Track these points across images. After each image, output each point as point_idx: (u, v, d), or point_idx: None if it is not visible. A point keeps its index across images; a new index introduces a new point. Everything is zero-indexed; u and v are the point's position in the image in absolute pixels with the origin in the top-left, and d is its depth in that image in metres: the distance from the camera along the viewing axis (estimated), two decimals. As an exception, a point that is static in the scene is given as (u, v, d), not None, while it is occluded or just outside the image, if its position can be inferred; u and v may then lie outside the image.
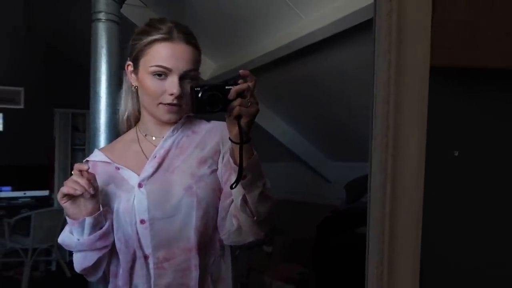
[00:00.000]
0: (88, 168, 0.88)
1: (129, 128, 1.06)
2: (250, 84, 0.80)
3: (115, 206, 0.95)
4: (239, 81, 0.81)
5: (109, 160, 1.00)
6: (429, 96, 0.50)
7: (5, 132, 4.68)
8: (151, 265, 0.93)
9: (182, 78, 0.94)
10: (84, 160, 1.04)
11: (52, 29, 4.38)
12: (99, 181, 0.94)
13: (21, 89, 4.73)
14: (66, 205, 0.88)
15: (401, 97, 0.48)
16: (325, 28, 1.92)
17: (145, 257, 0.94)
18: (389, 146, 0.49)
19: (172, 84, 0.92)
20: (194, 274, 0.93)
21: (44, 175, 4.76)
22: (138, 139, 1.01)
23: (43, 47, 4.68)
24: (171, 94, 0.92)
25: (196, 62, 0.97)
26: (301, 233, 3.11)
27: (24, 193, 4.66)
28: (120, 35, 1.95)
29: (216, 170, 0.98)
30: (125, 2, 2.08)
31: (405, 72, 0.48)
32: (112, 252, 0.98)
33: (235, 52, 2.74)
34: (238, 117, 0.79)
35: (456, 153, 0.55)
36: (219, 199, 0.97)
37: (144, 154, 0.99)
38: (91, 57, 1.91)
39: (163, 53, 0.93)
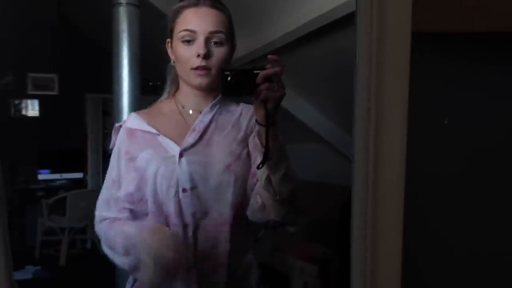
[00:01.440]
0: None
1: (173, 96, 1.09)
2: (277, 69, 0.83)
3: (153, 170, 0.97)
4: (267, 66, 0.83)
5: (146, 127, 1.03)
6: (415, 63, 0.49)
7: (42, 117, 4.89)
8: (189, 234, 0.97)
9: (208, 39, 0.97)
10: (116, 125, 1.07)
11: (82, 16, 4.50)
12: (136, 146, 1.00)
13: (55, 75, 4.91)
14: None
15: (382, 62, 0.48)
16: (348, 2, 1.87)
17: (184, 226, 0.97)
18: (371, 112, 0.48)
19: (198, 46, 0.96)
20: (225, 247, 0.98)
21: (79, 159, 4.98)
22: (179, 110, 1.05)
23: (74, 35, 4.82)
24: (198, 56, 0.96)
25: (223, 24, 1.00)
26: (324, 214, 3.11)
27: (61, 176, 4.90)
28: (140, 19, 1.98)
29: (248, 150, 1.02)
30: (146, -15, 2.12)
31: (386, 36, 0.47)
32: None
33: (256, 32, 2.72)
34: (265, 101, 0.82)
35: (446, 121, 0.54)
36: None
37: (186, 125, 1.02)
38: (112, 41, 1.96)
39: (189, 18, 0.98)
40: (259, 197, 0.97)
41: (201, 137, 1.00)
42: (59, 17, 4.60)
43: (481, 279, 0.62)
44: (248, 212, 1.01)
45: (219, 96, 1.05)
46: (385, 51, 0.48)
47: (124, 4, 1.93)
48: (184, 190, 0.96)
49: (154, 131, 1.01)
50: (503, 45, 0.56)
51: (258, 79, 0.81)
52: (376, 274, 0.52)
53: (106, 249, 1.03)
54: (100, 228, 1.05)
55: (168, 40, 1.05)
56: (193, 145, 0.99)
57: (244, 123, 1.05)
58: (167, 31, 1.04)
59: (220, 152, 0.99)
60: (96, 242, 4.41)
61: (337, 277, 2.68)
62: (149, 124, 1.03)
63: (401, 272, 0.53)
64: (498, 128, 0.57)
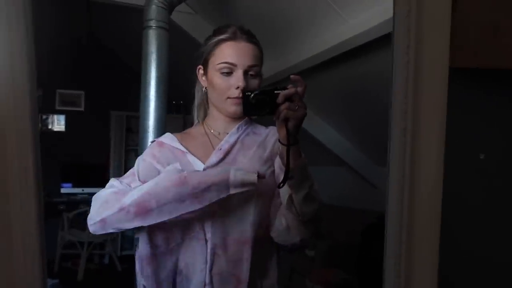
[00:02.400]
0: None
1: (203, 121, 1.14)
2: (299, 89, 0.85)
3: None
4: (289, 86, 0.85)
5: (177, 144, 1.07)
6: (452, 98, 0.49)
7: (67, 132, 5.02)
8: (209, 250, 0.98)
9: (246, 72, 1.02)
10: (150, 141, 1.12)
11: (110, 36, 4.66)
12: (164, 159, 1.03)
13: (82, 92, 5.07)
14: None
15: (418, 97, 0.48)
16: (370, 30, 1.90)
17: (206, 241, 0.98)
18: (407, 146, 0.49)
19: (238, 78, 1.01)
20: (246, 266, 0.98)
21: (101, 174, 5.06)
22: (206, 132, 1.10)
23: (102, 54, 4.98)
24: (237, 88, 1.00)
25: (258, 58, 1.05)
26: (345, 239, 3.07)
27: (83, 190, 4.97)
28: (169, 42, 2.04)
29: (273, 170, 1.03)
30: (175, 9, 2.18)
31: (422, 72, 0.48)
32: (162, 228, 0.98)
33: (280, 56, 2.77)
34: (286, 120, 0.84)
35: (482, 156, 0.54)
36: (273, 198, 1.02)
37: (211, 145, 1.06)
38: (142, 62, 2.02)
39: (228, 51, 1.02)
40: (283, 218, 0.97)
41: (225, 156, 1.03)
42: (88, 35, 4.77)
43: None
44: (274, 234, 1.01)
45: (246, 118, 1.08)
46: (422, 86, 0.49)
47: (154, 27, 1.99)
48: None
49: (183, 148, 1.06)
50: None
51: (279, 99, 0.84)
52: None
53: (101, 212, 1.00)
54: (101, 194, 1.03)
55: (200, 66, 1.09)
56: (217, 163, 1.02)
57: (270, 143, 1.06)
58: (200, 59, 1.09)
59: None
60: (114, 257, 4.44)
61: (356, 304, 2.62)
62: (180, 142, 1.08)
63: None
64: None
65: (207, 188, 0.91)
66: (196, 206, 0.92)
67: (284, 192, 0.93)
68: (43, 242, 0.64)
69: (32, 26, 0.67)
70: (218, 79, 1.03)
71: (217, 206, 0.96)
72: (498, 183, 0.58)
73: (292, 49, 2.62)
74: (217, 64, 1.03)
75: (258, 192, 0.98)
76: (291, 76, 0.86)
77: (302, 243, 1.01)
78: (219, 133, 1.09)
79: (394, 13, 0.51)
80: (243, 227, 0.98)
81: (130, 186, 1.02)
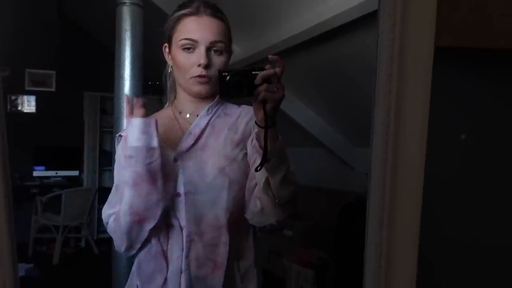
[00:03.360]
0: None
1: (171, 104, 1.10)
2: (277, 69, 0.81)
3: None
4: (267, 66, 0.82)
5: None
6: (435, 77, 0.48)
7: (38, 114, 4.86)
8: (184, 237, 0.96)
9: (209, 49, 0.97)
10: (117, 135, 1.08)
11: (82, 13, 4.48)
12: None
13: (53, 72, 4.89)
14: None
15: (403, 76, 0.47)
16: (349, 11, 1.88)
17: (181, 228, 0.97)
18: (390, 127, 0.48)
19: (199, 55, 0.96)
20: (223, 250, 0.97)
21: (75, 156, 4.95)
22: (175, 116, 1.05)
23: (74, 32, 4.80)
24: (199, 65, 0.96)
25: (224, 34, 1.00)
26: (322, 219, 3.12)
27: (56, 173, 4.86)
28: (143, 19, 1.97)
29: (245, 152, 1.00)
30: (150, -15, 2.11)
31: (407, 51, 0.47)
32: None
33: (258, 36, 2.72)
34: (264, 102, 0.81)
35: (463, 137, 0.54)
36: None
37: (180, 129, 1.03)
38: (115, 40, 1.94)
39: (190, 26, 0.98)
40: (258, 200, 0.95)
41: (196, 141, 1.00)
42: (59, 13, 4.58)
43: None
44: (248, 216, 0.99)
45: (216, 99, 1.05)
46: (407, 64, 0.47)
47: (127, 4, 1.92)
48: (177, 195, 0.96)
49: None
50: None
51: (257, 80, 0.81)
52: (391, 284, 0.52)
53: (122, 238, 0.99)
54: (109, 225, 1.02)
55: (166, 44, 1.05)
56: (188, 149, 0.99)
57: (241, 125, 1.03)
58: (165, 36, 1.04)
59: (215, 156, 0.98)
60: (90, 240, 4.38)
61: (333, 282, 2.68)
62: None
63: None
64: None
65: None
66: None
67: (261, 175, 0.90)
68: (11, 225, 0.61)
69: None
70: (180, 57, 0.99)
71: (189, 191, 0.95)
72: (479, 163, 0.58)
73: (271, 29, 2.58)
74: (179, 40, 0.98)
75: (231, 179, 0.96)
76: (269, 57, 0.83)
77: (279, 224, 0.99)
78: (188, 116, 1.05)
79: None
80: (218, 212, 0.97)
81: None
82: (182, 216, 0.96)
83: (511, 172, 0.58)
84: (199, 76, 0.97)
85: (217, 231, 0.97)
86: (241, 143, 1.01)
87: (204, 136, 1.01)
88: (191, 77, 0.98)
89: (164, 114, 1.08)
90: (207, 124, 1.02)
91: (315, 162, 3.34)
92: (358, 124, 2.90)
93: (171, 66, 1.04)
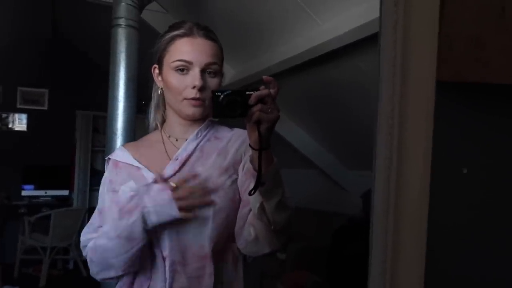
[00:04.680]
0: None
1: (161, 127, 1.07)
2: (272, 90, 0.79)
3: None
4: (261, 87, 0.80)
5: (130, 160, 1.01)
6: (436, 111, 0.48)
7: (29, 132, 4.80)
8: (167, 267, 0.93)
9: (203, 71, 0.95)
10: (106, 158, 1.06)
11: (77, 33, 4.49)
12: (120, 178, 0.98)
13: (46, 90, 4.86)
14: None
15: (405, 111, 0.47)
16: (343, 36, 1.90)
17: (163, 259, 0.94)
18: (393, 162, 0.47)
19: (194, 77, 0.94)
20: (208, 282, 0.93)
21: (65, 175, 4.87)
22: (163, 140, 1.03)
23: (67, 50, 4.80)
24: (194, 87, 0.94)
25: (217, 56, 0.99)
26: (315, 241, 3.08)
27: (45, 192, 4.77)
28: (139, 41, 1.98)
29: (236, 179, 0.97)
30: (146, 7, 2.12)
31: (410, 86, 0.47)
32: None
33: (252, 58, 2.75)
34: (258, 123, 0.78)
35: (465, 170, 0.54)
36: (236, 210, 0.96)
37: (167, 156, 1.00)
38: (110, 61, 1.94)
39: (184, 48, 0.96)
40: (252, 228, 0.92)
41: (182, 167, 0.97)
42: (53, 31, 4.59)
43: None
44: (241, 245, 0.96)
45: (206, 122, 1.02)
46: (409, 98, 0.47)
47: (123, 26, 1.92)
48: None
49: (137, 164, 1.00)
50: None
51: (251, 100, 0.77)
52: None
53: (97, 265, 0.96)
54: (88, 249, 1.00)
55: (155, 66, 1.02)
56: (173, 175, 0.95)
57: (232, 149, 1.00)
58: (155, 58, 1.02)
59: (201, 182, 0.93)
60: (78, 262, 4.28)
61: (326, 307, 2.64)
62: (134, 157, 1.01)
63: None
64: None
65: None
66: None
67: (255, 200, 0.86)
68: None
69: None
70: (173, 78, 0.96)
71: (174, 225, 0.91)
72: (481, 197, 0.57)
73: (264, 52, 2.61)
74: (172, 62, 0.96)
75: (216, 207, 0.93)
76: (264, 77, 0.80)
77: (272, 253, 0.96)
78: (176, 140, 1.02)
79: (380, 22, 0.50)
80: (202, 241, 0.93)
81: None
82: (164, 245, 0.93)
83: None
84: (193, 98, 0.95)
85: (201, 261, 0.93)
86: (230, 169, 0.97)
87: (191, 161, 0.98)
88: (184, 99, 0.96)
89: (152, 138, 1.06)
90: (195, 148, 0.99)
91: (307, 184, 3.33)
92: (351, 147, 2.91)
93: (161, 88, 1.02)
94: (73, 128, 4.91)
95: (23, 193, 4.66)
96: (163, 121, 1.06)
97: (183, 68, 0.95)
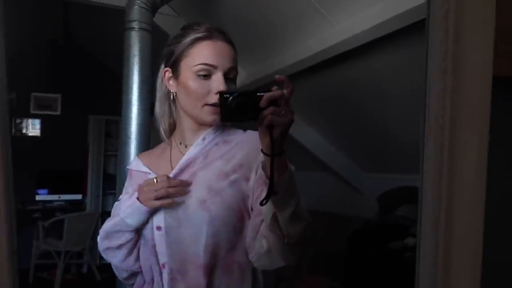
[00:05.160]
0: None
1: (171, 134, 1.04)
2: (285, 91, 0.71)
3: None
4: (273, 88, 0.72)
5: (141, 168, 1.03)
6: (493, 109, 0.44)
7: (43, 137, 4.84)
8: (165, 275, 0.90)
9: (225, 76, 0.92)
10: (126, 168, 1.09)
11: (89, 38, 4.52)
12: (133, 187, 1.00)
13: (58, 95, 4.90)
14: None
15: (458, 112, 0.43)
16: (358, 36, 1.86)
17: (162, 266, 0.92)
18: (444, 167, 0.43)
19: (218, 82, 0.90)
20: None
21: (78, 180, 4.90)
22: (171, 146, 1.01)
23: (80, 56, 4.83)
24: (217, 93, 0.87)
25: (235, 60, 0.96)
26: (331, 245, 3.03)
27: (59, 197, 4.80)
28: (152, 44, 1.96)
29: (238, 182, 0.91)
30: (158, 11, 2.11)
31: (463, 84, 0.43)
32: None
33: (265, 60, 2.72)
34: (270, 127, 0.71)
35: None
36: (238, 219, 0.90)
37: (171, 162, 0.98)
38: (123, 65, 1.93)
39: (206, 51, 0.91)
40: (265, 240, 0.85)
41: (182, 171, 0.94)
42: (65, 36, 4.62)
43: None
44: (253, 258, 0.89)
45: (214, 126, 0.97)
46: (462, 96, 0.43)
47: (136, 29, 1.91)
48: (158, 228, 0.92)
49: (147, 170, 1.00)
50: None
51: (263, 102, 0.70)
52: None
53: (113, 267, 1.04)
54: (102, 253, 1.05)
55: (168, 69, 0.97)
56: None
57: (240, 152, 0.93)
58: (168, 61, 0.96)
59: (198, 187, 0.90)
60: (92, 266, 4.28)
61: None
62: (144, 164, 1.03)
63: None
64: None
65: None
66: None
67: (267, 210, 0.79)
68: (13, 250, 0.56)
69: (2, 25, 0.59)
70: (194, 83, 0.91)
71: (170, 225, 0.91)
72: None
73: (277, 54, 2.57)
74: (194, 66, 0.91)
75: (212, 213, 0.87)
76: (276, 77, 0.72)
77: (287, 267, 0.88)
78: (185, 146, 0.98)
79: (428, 15, 0.45)
80: (197, 251, 0.88)
81: None
82: (163, 252, 0.90)
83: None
84: (215, 104, 0.89)
85: (198, 270, 0.88)
86: (232, 173, 0.91)
87: (193, 166, 0.94)
88: (205, 105, 0.92)
89: (164, 144, 1.05)
90: (199, 153, 0.95)
91: (323, 187, 3.28)
92: (366, 149, 2.86)
93: (175, 93, 0.97)
94: (85, 133, 4.93)
95: (37, 197, 4.70)
96: (173, 127, 1.02)
97: (206, 73, 0.91)
